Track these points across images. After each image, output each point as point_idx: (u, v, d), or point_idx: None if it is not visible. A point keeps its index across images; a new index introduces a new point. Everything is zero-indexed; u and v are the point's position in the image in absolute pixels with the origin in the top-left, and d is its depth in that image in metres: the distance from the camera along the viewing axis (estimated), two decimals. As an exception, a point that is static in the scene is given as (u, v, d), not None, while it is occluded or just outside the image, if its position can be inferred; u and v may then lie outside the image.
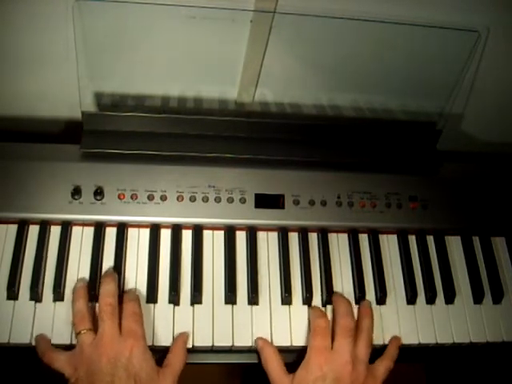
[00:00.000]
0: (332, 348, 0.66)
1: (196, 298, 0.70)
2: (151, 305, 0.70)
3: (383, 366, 0.68)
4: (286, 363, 0.67)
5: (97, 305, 0.67)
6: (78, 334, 0.65)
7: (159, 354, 0.67)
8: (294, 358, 0.69)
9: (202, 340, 0.68)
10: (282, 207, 0.76)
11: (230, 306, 0.71)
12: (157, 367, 0.64)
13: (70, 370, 0.63)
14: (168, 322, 0.69)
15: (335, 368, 0.64)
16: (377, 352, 0.70)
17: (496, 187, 0.82)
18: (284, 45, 0.73)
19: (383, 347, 0.71)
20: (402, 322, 0.73)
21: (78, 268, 0.71)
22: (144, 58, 0.75)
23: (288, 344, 0.69)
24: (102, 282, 0.68)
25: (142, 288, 0.70)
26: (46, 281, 0.69)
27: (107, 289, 0.67)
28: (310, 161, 0.79)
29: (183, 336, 0.68)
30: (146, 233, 0.74)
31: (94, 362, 0.62)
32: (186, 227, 0.75)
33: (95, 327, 0.65)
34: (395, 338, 0.71)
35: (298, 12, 0.68)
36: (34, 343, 0.66)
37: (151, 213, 0.74)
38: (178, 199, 0.75)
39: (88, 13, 0.67)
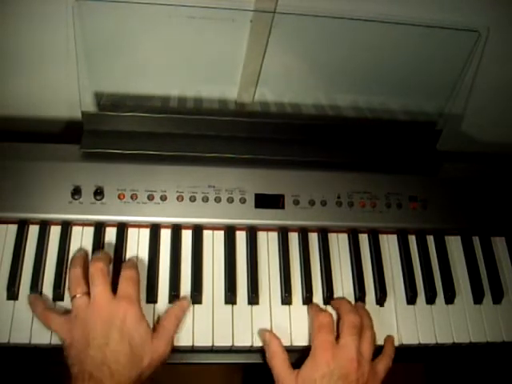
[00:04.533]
0: (338, 344, 0.66)
1: (196, 297, 0.70)
2: (151, 305, 0.70)
3: (383, 364, 0.68)
4: (288, 362, 0.67)
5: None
6: (72, 298, 0.66)
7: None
8: (295, 356, 0.69)
9: (202, 340, 0.68)
10: (282, 207, 0.76)
11: (229, 306, 0.71)
12: (151, 330, 0.65)
13: (65, 333, 0.64)
14: (168, 321, 0.69)
15: (342, 365, 0.64)
16: (376, 352, 0.70)
17: (496, 187, 0.82)
18: (284, 45, 0.73)
19: (381, 348, 0.71)
20: (401, 322, 0.73)
21: (78, 268, 0.71)
22: (144, 57, 0.75)
23: (288, 344, 0.69)
24: (94, 254, 0.70)
25: (142, 288, 0.70)
26: (45, 281, 0.69)
27: (98, 257, 0.69)
28: (310, 161, 0.79)
29: (182, 302, 0.69)
30: (146, 233, 0.74)
31: (88, 325, 0.63)
32: (186, 227, 0.75)
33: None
34: (389, 337, 0.71)
35: (298, 12, 0.68)
36: (28, 301, 0.67)
37: (151, 213, 0.74)
38: (177, 199, 0.75)
39: (88, 13, 0.67)
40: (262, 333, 0.69)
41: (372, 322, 0.70)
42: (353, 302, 0.73)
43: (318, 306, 0.71)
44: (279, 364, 0.66)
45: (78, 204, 0.73)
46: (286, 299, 0.72)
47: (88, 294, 0.66)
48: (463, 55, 0.75)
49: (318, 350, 0.66)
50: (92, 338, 0.62)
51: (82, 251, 0.72)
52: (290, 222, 0.76)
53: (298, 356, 0.68)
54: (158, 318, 0.68)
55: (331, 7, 0.69)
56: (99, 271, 0.66)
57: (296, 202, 0.76)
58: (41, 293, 0.69)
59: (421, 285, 0.76)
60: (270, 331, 0.69)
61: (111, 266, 0.70)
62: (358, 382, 0.64)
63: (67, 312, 0.67)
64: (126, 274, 0.67)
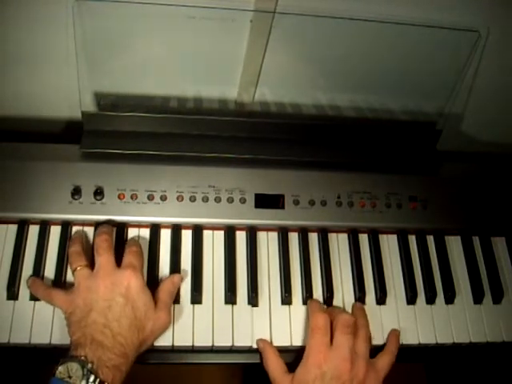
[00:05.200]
0: (332, 345, 0.66)
1: (196, 297, 0.70)
2: (151, 305, 0.70)
3: (384, 360, 0.68)
4: (287, 363, 0.67)
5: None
6: (74, 271, 0.67)
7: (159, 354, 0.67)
8: (293, 357, 0.69)
9: (202, 340, 0.68)
10: (282, 207, 0.76)
11: (229, 306, 0.71)
12: (153, 300, 0.66)
13: (67, 304, 0.64)
14: (168, 321, 0.69)
15: (334, 366, 0.64)
16: (377, 351, 0.70)
17: (496, 187, 0.82)
18: (284, 45, 0.73)
19: (384, 347, 0.71)
20: (402, 322, 0.73)
21: (78, 268, 0.71)
22: (144, 57, 0.75)
23: (288, 344, 0.69)
24: (99, 227, 0.71)
25: (142, 288, 0.70)
26: (46, 281, 0.69)
27: (103, 229, 0.70)
28: (310, 161, 0.79)
29: (173, 277, 0.70)
30: (146, 233, 0.74)
31: (91, 291, 0.64)
32: (186, 227, 0.75)
33: (92, 267, 0.67)
34: (393, 332, 0.71)
35: (298, 12, 0.68)
36: (28, 285, 0.68)
37: (151, 213, 0.74)
38: (177, 199, 0.75)
39: (88, 13, 0.67)
40: (257, 341, 0.69)
41: (368, 322, 0.70)
42: (353, 301, 0.73)
43: (317, 303, 0.71)
44: (274, 369, 0.67)
45: (77, 204, 0.73)
46: (286, 299, 0.72)
47: (89, 266, 0.67)
48: (463, 55, 0.75)
49: (311, 352, 0.66)
50: (95, 301, 0.63)
51: (80, 232, 0.73)
52: (290, 221, 0.76)
53: (297, 356, 0.68)
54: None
55: (331, 7, 0.69)
56: (104, 241, 0.68)
57: (296, 202, 0.76)
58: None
59: (421, 285, 0.76)
60: (263, 339, 0.69)
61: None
62: (353, 382, 0.64)
63: (70, 287, 0.67)
64: (130, 249, 0.69)
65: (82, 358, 0.58)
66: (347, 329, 0.67)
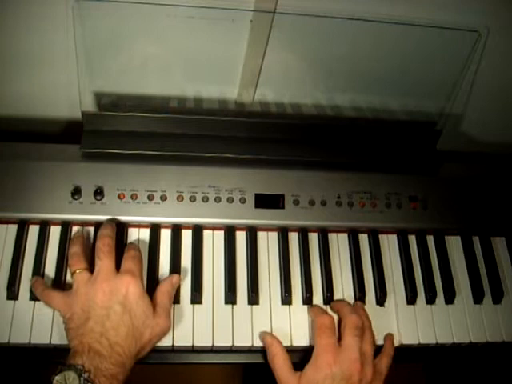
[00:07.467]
0: (340, 346, 0.66)
1: (196, 297, 0.70)
2: (151, 305, 0.70)
3: (384, 362, 0.68)
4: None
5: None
6: (73, 273, 0.66)
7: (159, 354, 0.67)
8: (296, 356, 0.69)
9: (202, 340, 0.68)
10: (282, 207, 0.76)
11: (229, 306, 0.71)
12: (152, 306, 0.65)
13: (65, 308, 0.64)
14: (168, 321, 0.69)
15: (344, 366, 0.64)
16: (377, 352, 0.70)
17: (496, 187, 0.82)
18: (284, 45, 0.73)
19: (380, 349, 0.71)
20: (401, 322, 0.73)
21: (78, 268, 0.71)
22: (144, 57, 0.75)
23: (288, 344, 0.69)
24: (101, 227, 0.70)
25: (142, 288, 0.70)
26: (46, 281, 0.69)
27: (105, 232, 0.69)
28: (310, 161, 0.79)
29: (171, 277, 0.69)
30: (146, 233, 0.74)
31: (89, 297, 0.63)
32: (186, 227, 0.75)
33: (92, 270, 0.67)
34: (389, 335, 0.71)
35: (298, 12, 0.68)
36: (30, 284, 0.68)
37: (151, 213, 0.74)
38: (177, 199, 0.75)
39: (88, 13, 0.67)
40: (263, 335, 0.69)
41: (370, 323, 0.70)
42: (353, 301, 0.73)
43: (319, 307, 0.71)
44: (281, 366, 0.66)
45: (78, 204, 0.73)
46: (286, 299, 0.72)
47: (88, 269, 0.66)
48: (463, 55, 0.75)
49: (320, 352, 0.66)
50: (92, 309, 0.62)
51: (81, 231, 0.72)
52: (290, 221, 0.76)
53: (299, 356, 0.69)
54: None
55: (331, 7, 0.69)
56: (106, 246, 0.67)
57: (296, 202, 0.76)
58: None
59: (421, 285, 0.76)
60: (271, 334, 0.69)
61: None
62: (361, 383, 0.64)
63: (69, 290, 0.67)
64: (129, 254, 0.68)
65: (79, 366, 0.58)
66: (356, 331, 0.67)
